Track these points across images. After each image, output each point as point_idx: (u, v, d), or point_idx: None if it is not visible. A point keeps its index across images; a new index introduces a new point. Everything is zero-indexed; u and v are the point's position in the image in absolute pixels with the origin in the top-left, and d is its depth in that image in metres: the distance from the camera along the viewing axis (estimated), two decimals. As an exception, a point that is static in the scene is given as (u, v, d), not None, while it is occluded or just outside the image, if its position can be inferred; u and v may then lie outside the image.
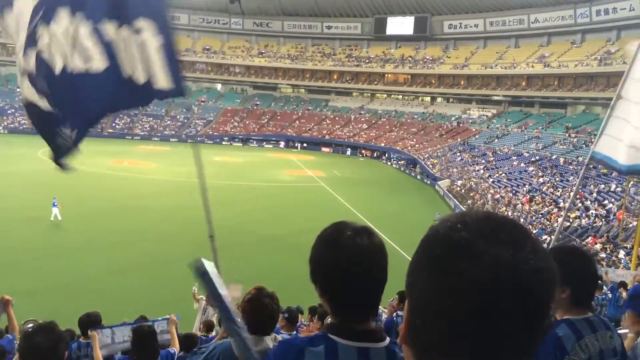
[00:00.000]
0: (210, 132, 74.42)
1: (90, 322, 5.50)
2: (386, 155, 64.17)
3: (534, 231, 25.05)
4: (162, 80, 4.06)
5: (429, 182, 46.34)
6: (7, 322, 4.81)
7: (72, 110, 4.13)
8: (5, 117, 68.32)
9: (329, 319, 1.72)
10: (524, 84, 64.34)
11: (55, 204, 23.16)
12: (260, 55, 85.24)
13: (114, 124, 73.46)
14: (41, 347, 2.53)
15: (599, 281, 11.25)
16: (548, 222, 26.29)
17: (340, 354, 1.54)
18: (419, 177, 50.40)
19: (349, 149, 68.16)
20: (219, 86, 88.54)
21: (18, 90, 66.71)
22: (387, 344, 1.59)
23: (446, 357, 0.77)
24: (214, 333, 7.73)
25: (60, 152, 4.32)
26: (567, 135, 49.49)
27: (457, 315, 0.74)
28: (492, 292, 0.73)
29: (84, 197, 28.96)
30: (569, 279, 2.28)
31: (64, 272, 16.88)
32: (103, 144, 59.33)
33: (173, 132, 73.89)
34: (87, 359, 5.23)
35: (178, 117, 77.78)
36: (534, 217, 28.00)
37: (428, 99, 77.14)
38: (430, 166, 50.46)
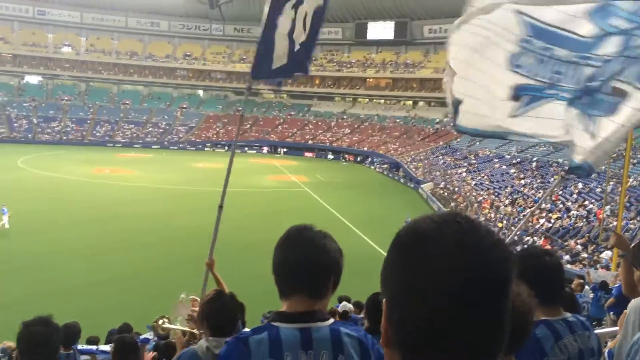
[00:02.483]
0: (193, 139, 74.02)
1: (70, 333, 5.41)
2: (369, 159, 64.38)
3: (518, 233, 25.32)
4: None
5: (412, 185, 46.58)
6: None
7: None
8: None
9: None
10: (503, 87, 65.03)
11: (5, 211, 22.71)
12: (242, 61, 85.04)
13: (94, 132, 72.66)
14: (36, 336, 2.70)
15: (583, 280, 11.38)
16: (530, 224, 26.56)
17: (283, 336, 1.67)
18: (402, 180, 50.64)
19: (330, 153, 68.30)
20: (200, 92, 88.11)
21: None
22: (329, 323, 1.73)
23: (429, 349, 0.81)
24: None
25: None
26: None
27: (430, 298, 0.79)
28: (454, 269, 0.78)
29: (64, 206, 28.56)
30: (521, 275, 2.31)
31: (44, 282, 16.61)
32: (84, 152, 58.73)
33: (155, 139, 73.31)
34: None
35: (159, 124, 77.21)
36: (516, 219, 28.27)
37: (410, 103, 77.65)
38: (414, 169, 50.73)
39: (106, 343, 7.31)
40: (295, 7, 4.24)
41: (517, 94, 3.34)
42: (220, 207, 4.69)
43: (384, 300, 0.89)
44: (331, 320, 1.76)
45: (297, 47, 4.35)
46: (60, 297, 15.06)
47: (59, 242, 21.34)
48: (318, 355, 1.68)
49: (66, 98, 76.91)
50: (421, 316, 0.80)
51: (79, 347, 5.42)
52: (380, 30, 79.83)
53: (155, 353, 6.04)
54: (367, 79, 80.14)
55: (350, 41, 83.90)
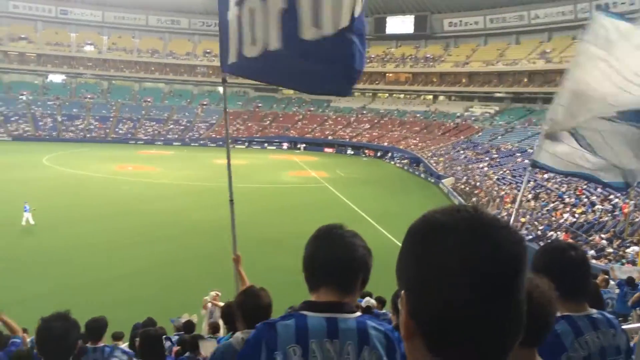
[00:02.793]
0: (213, 135, 74.51)
1: (97, 327, 5.51)
2: (389, 154, 64.11)
3: (540, 227, 25.00)
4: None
5: (432, 180, 46.27)
6: (8, 330, 4.84)
7: None
8: (8, 125, 68.52)
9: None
10: (526, 80, 64.16)
11: (27, 208, 23.12)
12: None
13: (117, 129, 73.64)
14: (54, 331, 2.77)
15: (608, 276, 11.20)
16: (554, 219, 26.20)
17: (310, 324, 1.71)
18: (422, 175, 50.32)
19: (349, 149, 68.20)
20: (220, 89, 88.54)
21: (21, 97, 67.07)
22: (356, 315, 1.77)
23: (446, 341, 0.82)
24: (220, 334, 7.98)
25: None
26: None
27: (444, 288, 0.80)
28: (466, 251, 0.80)
29: (87, 202, 29.03)
30: (545, 269, 2.28)
31: (68, 277, 16.93)
32: (107, 149, 59.59)
33: (176, 136, 74.02)
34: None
35: (180, 121, 77.95)
36: (539, 214, 27.91)
37: (430, 97, 77.11)
38: (434, 164, 50.38)
39: (131, 337, 7.42)
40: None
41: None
42: (231, 200, 4.77)
43: (402, 292, 0.90)
44: (358, 313, 1.79)
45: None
46: (83, 292, 15.34)
47: (82, 237, 21.70)
48: (343, 345, 1.70)
49: (89, 96, 78.06)
50: (435, 307, 0.81)
51: (124, 347, 5.52)
52: (400, 24, 79.29)
53: (179, 347, 6.14)
54: (387, 74, 79.77)
55: (369, 36, 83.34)
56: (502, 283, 0.80)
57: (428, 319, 0.83)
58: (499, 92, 66.77)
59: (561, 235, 22.84)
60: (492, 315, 0.80)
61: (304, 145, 71.84)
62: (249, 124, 77.82)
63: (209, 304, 9.72)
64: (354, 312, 1.79)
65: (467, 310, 0.79)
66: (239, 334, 2.77)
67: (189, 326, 8.26)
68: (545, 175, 36.13)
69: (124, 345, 7.89)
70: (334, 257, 1.81)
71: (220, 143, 71.89)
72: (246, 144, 72.31)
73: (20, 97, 74.09)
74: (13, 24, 78.22)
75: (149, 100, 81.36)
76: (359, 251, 1.84)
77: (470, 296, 0.79)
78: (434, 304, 0.82)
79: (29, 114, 71.42)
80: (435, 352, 0.84)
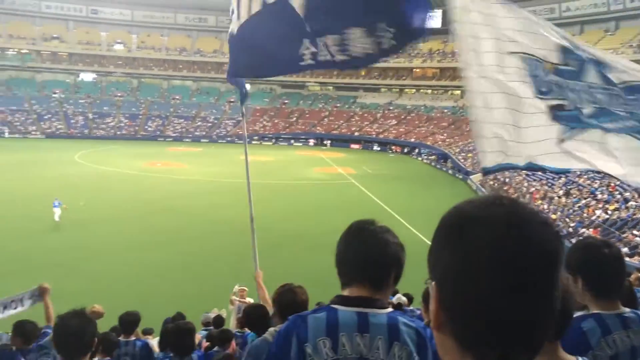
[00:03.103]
0: (240, 132, 74.93)
1: (130, 321, 5.64)
2: (416, 150, 63.65)
3: (572, 224, 24.55)
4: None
5: (461, 176, 45.79)
6: (44, 311, 4.91)
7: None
8: (42, 123, 70.22)
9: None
10: (553, 73, 62.87)
11: (56, 204, 23.55)
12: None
13: (146, 127, 74.78)
14: (71, 328, 2.81)
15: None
16: (586, 215, 25.69)
17: (340, 317, 1.72)
18: (450, 171, 49.86)
19: (375, 145, 67.94)
20: (247, 86, 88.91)
21: (54, 96, 68.64)
22: (388, 311, 1.77)
23: (481, 332, 0.81)
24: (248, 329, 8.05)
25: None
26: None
27: (478, 280, 0.79)
28: (502, 246, 0.79)
29: (118, 199, 29.57)
30: (578, 267, 2.25)
31: (102, 273, 17.26)
32: (136, 146, 60.58)
33: (204, 133, 74.80)
34: (128, 357, 5.35)
35: (208, 118, 78.72)
36: (570, 210, 27.39)
37: (458, 92, 76.15)
38: (462, 160, 49.83)
39: (161, 332, 7.54)
40: None
41: (555, 116, 3.45)
42: (252, 219, 4.89)
43: (433, 283, 0.88)
44: (390, 309, 1.79)
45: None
46: (113, 289, 15.59)
47: (112, 235, 22.11)
48: (373, 340, 1.71)
49: (119, 94, 79.46)
50: (467, 301, 0.81)
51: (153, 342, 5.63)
52: (427, 19, 78.44)
53: (209, 343, 6.22)
54: (414, 69, 79.09)
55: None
56: (537, 280, 0.79)
57: (459, 312, 0.83)
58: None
59: (591, 232, 22.41)
60: (525, 311, 0.79)
61: (330, 141, 71.83)
62: (276, 121, 78.13)
63: (237, 301, 9.81)
64: (386, 308, 1.79)
65: (499, 306, 0.78)
66: (272, 329, 2.81)
67: (218, 321, 8.35)
68: (577, 172, 35.40)
69: (154, 339, 8.04)
70: (366, 254, 1.80)
71: (248, 140, 72.31)
72: (273, 140, 72.64)
73: (53, 95, 75.85)
74: (45, 24, 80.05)
75: (177, 97, 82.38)
76: (391, 247, 1.83)
77: (502, 292, 0.78)
78: (465, 298, 0.81)
79: (61, 112, 73.04)
80: (464, 344, 0.83)
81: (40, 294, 4.83)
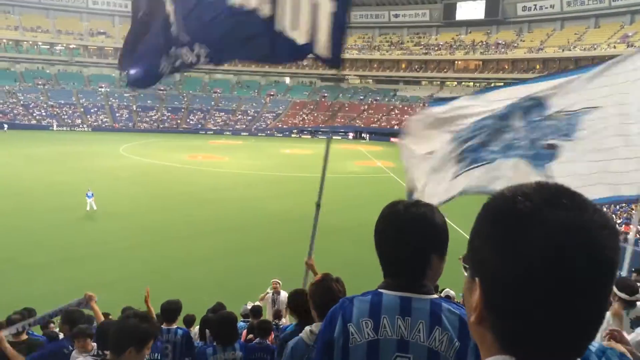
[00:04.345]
0: (280, 125, 75.53)
1: (172, 309, 5.77)
2: (457, 144, 62.65)
3: (618, 221, 23.75)
4: (322, 48, 3.97)
5: (502, 171, 44.89)
6: (94, 316, 5.12)
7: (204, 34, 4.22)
8: (89, 116, 72.38)
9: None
10: (605, 65, 60.71)
11: (90, 195, 24.16)
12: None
13: (188, 120, 76.12)
14: (131, 328, 2.85)
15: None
16: (633, 212, 24.79)
17: (384, 300, 1.76)
18: (492, 166, 48.92)
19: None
20: (287, 79, 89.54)
21: (100, 89, 70.41)
22: (432, 297, 1.78)
23: (526, 336, 0.79)
24: (283, 320, 8.30)
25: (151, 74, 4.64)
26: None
27: (535, 286, 0.76)
28: (561, 252, 0.75)
29: (160, 190, 30.22)
30: None
31: (144, 263, 17.67)
32: (178, 139, 61.75)
33: (244, 126, 75.61)
34: (169, 345, 5.49)
35: (248, 111, 79.50)
36: (617, 207, 26.49)
37: (501, 84, 74.44)
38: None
39: (202, 322, 7.68)
40: None
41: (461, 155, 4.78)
42: (318, 205, 4.73)
43: (477, 280, 0.85)
44: (435, 296, 1.79)
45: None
46: (152, 278, 15.88)
47: (153, 225, 22.56)
48: (415, 323, 1.73)
49: (162, 88, 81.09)
50: (516, 304, 0.78)
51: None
52: (470, 9, 76.99)
53: (251, 335, 6.32)
54: (456, 62, 77.77)
55: (438, 22, 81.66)
56: (595, 287, 0.77)
57: (507, 313, 0.80)
58: (576, 79, 63.58)
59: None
60: (579, 317, 0.77)
61: (369, 134, 71.49)
62: (315, 114, 78.25)
63: (268, 294, 9.97)
64: (431, 294, 1.80)
65: (550, 312, 0.76)
66: (308, 328, 2.82)
67: (256, 311, 8.47)
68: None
69: (195, 328, 8.21)
70: (394, 243, 1.81)
71: (287, 133, 72.75)
72: (313, 133, 72.84)
73: (99, 89, 78.04)
74: (92, 19, 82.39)
75: (218, 91, 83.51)
76: (422, 229, 1.80)
77: (557, 299, 0.75)
78: (517, 300, 0.78)
79: (107, 106, 75.11)
80: (508, 342, 0.81)
81: (87, 302, 5.02)
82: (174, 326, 5.73)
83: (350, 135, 72.40)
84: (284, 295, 9.42)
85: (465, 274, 0.90)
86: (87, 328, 4.58)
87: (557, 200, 0.79)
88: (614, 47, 59.48)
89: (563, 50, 65.23)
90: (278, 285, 10.04)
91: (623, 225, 23.11)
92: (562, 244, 0.75)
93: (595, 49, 61.52)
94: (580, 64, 63.48)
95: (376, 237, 1.87)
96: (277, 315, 8.63)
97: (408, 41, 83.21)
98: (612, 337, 2.50)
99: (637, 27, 60.37)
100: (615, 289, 4.10)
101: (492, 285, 0.82)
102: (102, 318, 5.06)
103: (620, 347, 2.15)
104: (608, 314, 3.32)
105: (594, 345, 2.06)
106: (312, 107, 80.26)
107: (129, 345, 2.74)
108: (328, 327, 1.82)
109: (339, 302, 1.87)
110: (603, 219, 0.78)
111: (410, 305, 1.74)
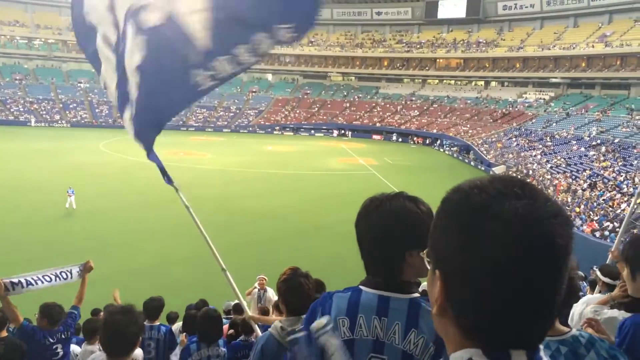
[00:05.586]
0: (262, 122, 75.27)
1: (155, 306, 5.76)
2: (438, 141, 63.17)
3: (596, 217, 24.17)
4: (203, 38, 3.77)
5: (483, 168, 45.34)
6: (79, 287, 5.08)
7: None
8: (67, 112, 71.33)
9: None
10: (583, 65, 61.67)
11: (71, 191, 23.92)
12: (310, 44, 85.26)
13: (169, 116, 75.42)
14: (116, 324, 2.90)
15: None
16: (611, 209, 25.26)
17: (362, 299, 1.74)
18: (472, 163, 49.41)
19: (394, 135, 67.71)
20: (269, 76, 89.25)
21: (79, 85, 69.20)
22: (412, 296, 1.73)
23: (489, 326, 0.81)
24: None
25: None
26: (630, 117, 47.24)
27: (495, 278, 0.78)
28: (517, 243, 0.77)
29: (140, 187, 29.95)
30: (633, 259, 2.31)
31: (124, 261, 17.54)
32: (159, 135, 61.11)
33: (226, 123, 75.20)
34: (152, 341, 5.47)
35: (230, 108, 79.08)
36: (595, 204, 26.97)
37: (481, 83, 75.28)
38: (484, 152, 49.33)
39: (185, 318, 7.66)
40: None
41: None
42: (223, 270, 5.15)
43: (437, 271, 0.87)
44: (415, 295, 1.74)
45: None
46: (132, 276, 15.82)
47: (132, 223, 22.41)
48: (391, 325, 1.69)
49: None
50: (477, 296, 0.80)
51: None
52: (452, 8, 77.48)
53: (232, 330, 6.32)
54: (437, 60, 78.26)
55: (420, 21, 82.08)
56: (549, 274, 0.79)
57: (467, 304, 0.82)
58: (555, 78, 64.44)
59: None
60: (535, 307, 0.79)
61: (351, 132, 71.65)
62: (297, 111, 78.17)
63: (255, 289, 9.82)
64: (412, 292, 1.74)
65: (509, 302, 0.78)
66: (278, 324, 2.81)
67: (238, 308, 8.43)
68: (603, 164, 34.82)
69: (177, 324, 8.18)
70: (374, 245, 1.76)
71: (269, 130, 72.58)
72: (294, 130, 72.78)
73: (79, 85, 76.93)
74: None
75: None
76: (403, 221, 1.72)
77: (515, 289, 0.77)
78: (476, 292, 0.80)
79: (87, 102, 74.08)
80: (469, 332, 0.83)
81: (84, 270, 5.00)
82: (157, 323, 5.72)
83: (335, 132, 72.48)
84: (270, 292, 9.33)
85: (429, 267, 0.92)
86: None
87: (510, 191, 0.81)
88: (592, 46, 60.39)
89: (542, 49, 66.03)
90: (264, 281, 9.79)
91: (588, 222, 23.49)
92: (517, 234, 0.77)
93: (574, 48, 62.38)
94: (559, 64, 64.44)
95: (356, 235, 1.82)
96: (263, 312, 8.54)
97: (390, 39, 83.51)
98: (589, 326, 2.56)
99: (615, 26, 61.34)
100: (599, 274, 4.18)
101: (451, 277, 0.84)
102: (84, 295, 5.07)
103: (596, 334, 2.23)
104: (577, 306, 3.43)
105: (584, 336, 2.12)
106: (294, 104, 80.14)
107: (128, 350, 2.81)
108: (307, 321, 1.81)
109: (321, 296, 1.87)
110: (554, 208, 0.80)
111: (388, 306, 1.70)
